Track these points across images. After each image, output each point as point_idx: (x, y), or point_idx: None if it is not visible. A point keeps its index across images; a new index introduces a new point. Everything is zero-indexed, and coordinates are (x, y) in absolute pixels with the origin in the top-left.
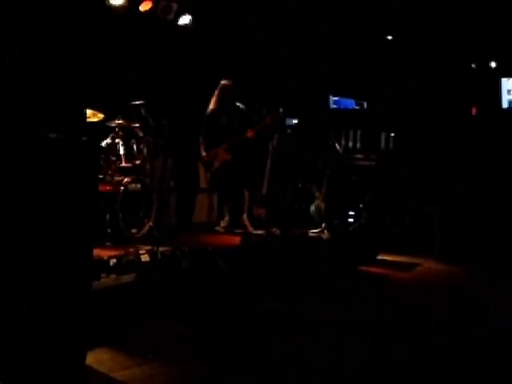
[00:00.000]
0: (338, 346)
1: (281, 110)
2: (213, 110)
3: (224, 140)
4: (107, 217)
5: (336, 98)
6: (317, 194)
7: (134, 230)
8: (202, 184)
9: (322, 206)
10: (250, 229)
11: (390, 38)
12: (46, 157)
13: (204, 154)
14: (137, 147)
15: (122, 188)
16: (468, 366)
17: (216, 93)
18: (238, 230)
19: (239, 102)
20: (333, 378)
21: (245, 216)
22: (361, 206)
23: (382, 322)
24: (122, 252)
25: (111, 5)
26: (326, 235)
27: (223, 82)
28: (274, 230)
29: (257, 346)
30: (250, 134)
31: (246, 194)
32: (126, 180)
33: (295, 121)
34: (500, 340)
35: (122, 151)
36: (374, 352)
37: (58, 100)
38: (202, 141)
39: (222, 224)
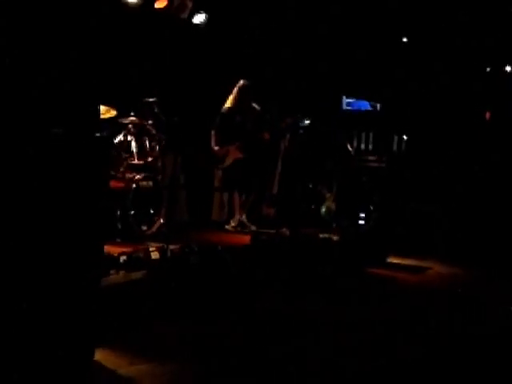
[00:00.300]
0: (338, 346)
1: (298, 115)
2: (230, 108)
3: (236, 138)
4: (118, 213)
5: (350, 100)
6: (327, 194)
7: (144, 227)
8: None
9: (333, 207)
10: (253, 227)
11: (404, 40)
12: (56, 152)
13: (217, 147)
14: (149, 144)
15: (134, 185)
16: (468, 366)
17: (234, 92)
18: (248, 228)
19: (255, 102)
20: (333, 378)
21: (244, 216)
22: (371, 207)
23: (384, 323)
24: (132, 249)
25: (126, 2)
26: (335, 236)
27: (243, 82)
28: (284, 230)
29: (258, 346)
30: (266, 136)
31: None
32: (137, 177)
33: (307, 121)
34: (500, 340)
35: (134, 148)
36: (374, 352)
37: (65, 97)
38: (214, 134)
39: (232, 223)
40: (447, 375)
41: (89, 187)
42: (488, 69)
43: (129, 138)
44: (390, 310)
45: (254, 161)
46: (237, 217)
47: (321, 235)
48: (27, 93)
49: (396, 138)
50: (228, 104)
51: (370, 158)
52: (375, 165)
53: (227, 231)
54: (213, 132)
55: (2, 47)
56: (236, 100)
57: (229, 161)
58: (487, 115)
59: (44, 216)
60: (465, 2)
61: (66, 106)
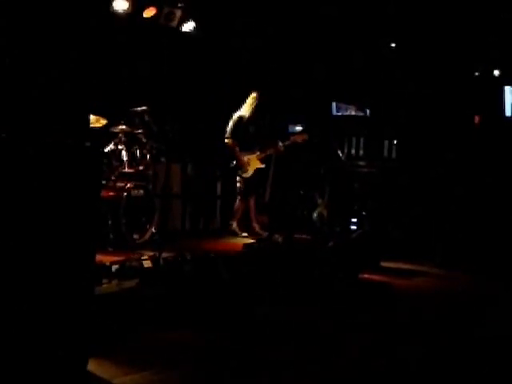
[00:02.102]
0: (338, 347)
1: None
2: (247, 117)
3: (250, 147)
4: (109, 222)
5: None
6: (319, 201)
7: (136, 236)
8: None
9: (325, 212)
10: (244, 234)
11: (393, 45)
12: (48, 161)
13: (244, 158)
14: (140, 153)
15: (125, 194)
16: (468, 367)
17: (252, 103)
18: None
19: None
20: (333, 379)
21: (255, 223)
22: (363, 213)
23: (383, 325)
24: (125, 258)
25: (115, 11)
26: (329, 242)
27: (258, 94)
28: (277, 236)
29: (257, 349)
30: (280, 147)
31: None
32: (128, 186)
33: (299, 128)
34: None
35: (124, 157)
36: (374, 353)
37: (60, 104)
38: (234, 143)
39: (237, 226)
40: (447, 376)
41: (80, 196)
42: (476, 73)
43: (119, 146)
44: (387, 312)
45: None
46: (254, 224)
47: (313, 241)
48: (27, 93)
49: (386, 142)
50: (247, 113)
51: (361, 163)
52: (366, 170)
53: (219, 239)
54: (230, 140)
55: (2, 47)
56: (253, 111)
57: (251, 170)
58: (476, 119)
59: (35, 225)
60: (453, 6)
61: (56, 115)
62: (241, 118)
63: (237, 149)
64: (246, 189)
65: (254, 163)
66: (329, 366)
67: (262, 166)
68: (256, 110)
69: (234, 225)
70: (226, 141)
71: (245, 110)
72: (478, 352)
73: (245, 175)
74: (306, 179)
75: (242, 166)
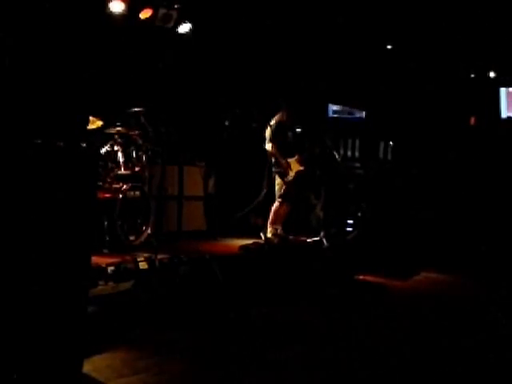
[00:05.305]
0: (333, 351)
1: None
2: (285, 122)
3: (290, 153)
4: (105, 224)
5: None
6: (315, 202)
7: (132, 238)
8: (186, 192)
9: (321, 214)
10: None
11: (389, 47)
12: (44, 163)
13: (284, 160)
14: (136, 154)
15: (121, 195)
16: (467, 368)
17: (287, 109)
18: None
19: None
20: (334, 380)
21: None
22: (359, 214)
23: (379, 327)
24: (120, 259)
25: (111, 12)
26: (324, 243)
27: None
28: (272, 238)
29: (255, 351)
30: (316, 150)
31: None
32: (124, 187)
33: (298, 129)
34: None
35: (120, 158)
36: (372, 354)
37: (52, 105)
38: (276, 147)
39: (278, 232)
40: (446, 376)
41: (76, 198)
42: (472, 75)
43: (115, 148)
44: (383, 313)
45: (311, 173)
46: (278, 227)
47: (309, 242)
48: (25, 94)
49: (382, 144)
50: (282, 119)
51: (357, 164)
52: (362, 171)
53: (216, 241)
54: (272, 145)
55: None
56: (287, 117)
57: (292, 174)
58: (472, 120)
59: (30, 228)
60: (449, 9)
61: (52, 117)
62: (280, 122)
63: (278, 153)
64: (288, 192)
65: (294, 166)
66: (328, 367)
67: (302, 168)
68: (292, 114)
69: (280, 229)
70: (266, 146)
71: (280, 115)
72: (475, 353)
73: (286, 179)
74: (302, 180)
75: (284, 170)
